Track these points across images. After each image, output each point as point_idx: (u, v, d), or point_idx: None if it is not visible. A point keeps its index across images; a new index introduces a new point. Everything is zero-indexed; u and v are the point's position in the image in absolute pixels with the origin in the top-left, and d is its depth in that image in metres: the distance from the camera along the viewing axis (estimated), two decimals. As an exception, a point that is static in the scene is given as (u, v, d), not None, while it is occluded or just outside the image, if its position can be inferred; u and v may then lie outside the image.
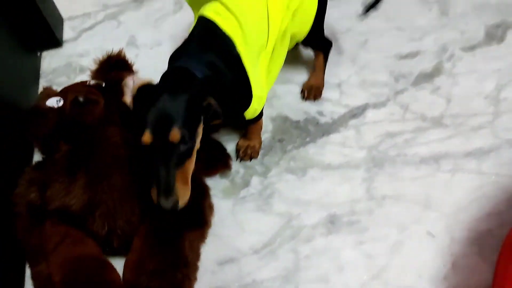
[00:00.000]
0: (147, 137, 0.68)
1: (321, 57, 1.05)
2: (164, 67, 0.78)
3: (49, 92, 0.99)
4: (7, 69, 1.03)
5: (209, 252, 0.89)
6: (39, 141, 0.94)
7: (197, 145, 0.74)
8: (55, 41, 1.20)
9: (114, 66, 1.02)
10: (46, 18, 1.13)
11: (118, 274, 0.82)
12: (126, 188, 0.84)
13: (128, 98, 0.82)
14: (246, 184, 0.98)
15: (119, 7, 1.29)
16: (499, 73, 1.08)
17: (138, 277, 0.80)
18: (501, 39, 1.14)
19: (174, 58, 0.80)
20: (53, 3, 1.21)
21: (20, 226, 0.87)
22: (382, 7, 1.21)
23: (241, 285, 0.86)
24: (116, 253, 0.86)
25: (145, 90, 0.73)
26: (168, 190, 0.69)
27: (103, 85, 0.98)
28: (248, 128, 0.97)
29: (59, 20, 1.25)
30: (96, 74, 1.03)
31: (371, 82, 1.09)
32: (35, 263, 0.83)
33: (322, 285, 0.85)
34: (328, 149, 1.01)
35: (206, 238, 0.88)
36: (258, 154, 0.99)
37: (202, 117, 0.73)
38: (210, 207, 0.91)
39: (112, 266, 0.82)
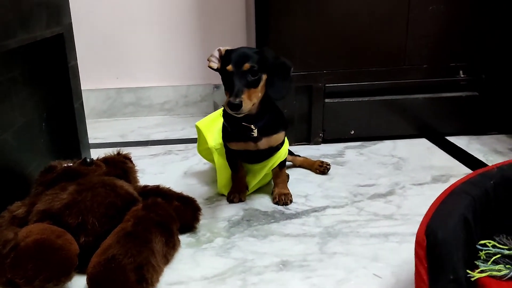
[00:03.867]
0: (230, 67, 1.02)
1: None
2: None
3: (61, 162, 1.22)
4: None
5: (161, 278, 0.92)
6: (44, 187, 1.11)
7: (261, 86, 1.05)
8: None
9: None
10: (79, 142, 1.46)
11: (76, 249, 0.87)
12: (106, 198, 0.98)
13: (214, 64, 1.09)
14: (210, 242, 1.06)
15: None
16: (443, 196, 1.25)
17: (99, 257, 0.85)
18: (445, 181, 1.36)
19: None
20: (86, 130, 1.55)
21: None
22: (346, 165, 1.51)
23: (185, 298, 0.86)
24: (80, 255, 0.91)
25: (230, 50, 1.07)
26: (238, 94, 1.00)
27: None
28: (277, 180, 1.26)
29: (87, 145, 1.56)
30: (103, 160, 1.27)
31: (333, 196, 1.28)
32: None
33: (265, 302, 0.84)
34: (289, 226, 1.12)
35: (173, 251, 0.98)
36: (291, 200, 1.23)
37: (267, 69, 1.05)
38: (177, 241, 1.01)
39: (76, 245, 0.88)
